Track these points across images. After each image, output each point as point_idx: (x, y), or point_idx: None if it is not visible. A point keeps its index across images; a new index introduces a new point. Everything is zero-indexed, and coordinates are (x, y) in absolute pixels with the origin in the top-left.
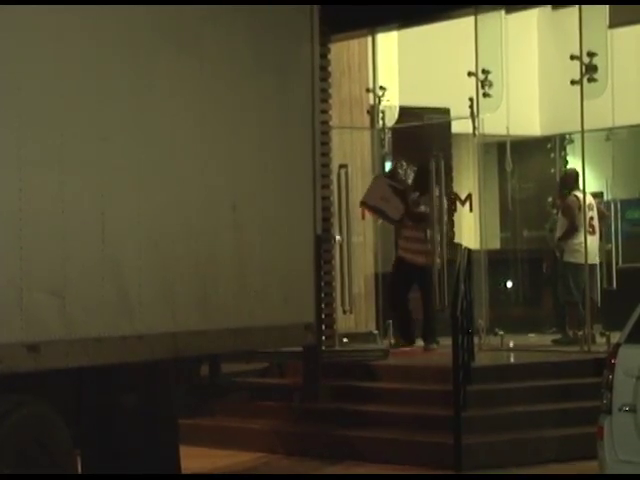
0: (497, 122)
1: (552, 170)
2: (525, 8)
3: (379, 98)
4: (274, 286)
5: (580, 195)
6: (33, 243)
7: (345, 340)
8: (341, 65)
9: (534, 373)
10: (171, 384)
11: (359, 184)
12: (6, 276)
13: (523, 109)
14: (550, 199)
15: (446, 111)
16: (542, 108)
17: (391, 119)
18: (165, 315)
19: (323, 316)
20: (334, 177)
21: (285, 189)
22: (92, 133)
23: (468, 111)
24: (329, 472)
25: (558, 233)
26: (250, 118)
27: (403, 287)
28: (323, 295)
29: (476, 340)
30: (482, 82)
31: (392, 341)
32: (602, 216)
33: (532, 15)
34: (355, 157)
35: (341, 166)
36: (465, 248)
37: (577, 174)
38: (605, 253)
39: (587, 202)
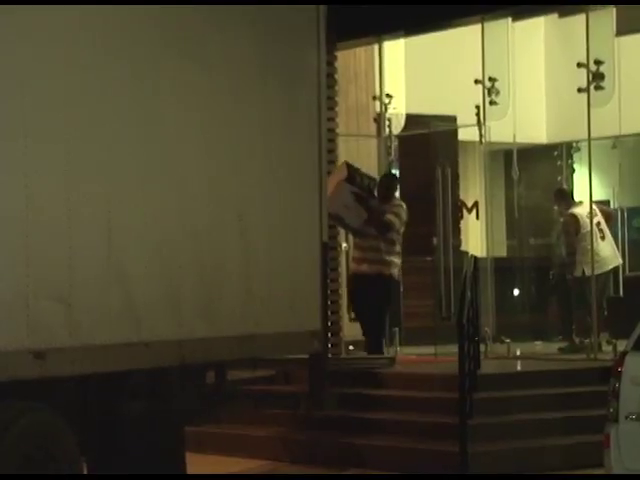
0: (504, 130)
1: (559, 178)
2: (532, 16)
3: (386, 106)
4: (280, 293)
5: (578, 210)
6: (39, 250)
7: (351, 348)
8: (348, 72)
9: (540, 381)
10: (177, 391)
11: None
12: (12, 283)
13: (530, 117)
14: (556, 207)
15: (453, 119)
16: (549, 116)
17: (398, 127)
18: (171, 322)
19: (329, 323)
20: None
21: (291, 197)
22: (98, 141)
23: (475, 119)
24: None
25: (561, 249)
26: (256, 125)
27: (362, 300)
28: (329, 302)
29: (482, 348)
30: (489, 90)
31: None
32: (609, 217)
33: (539, 23)
34: (361, 165)
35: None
36: (471, 256)
37: (566, 191)
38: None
39: (586, 212)
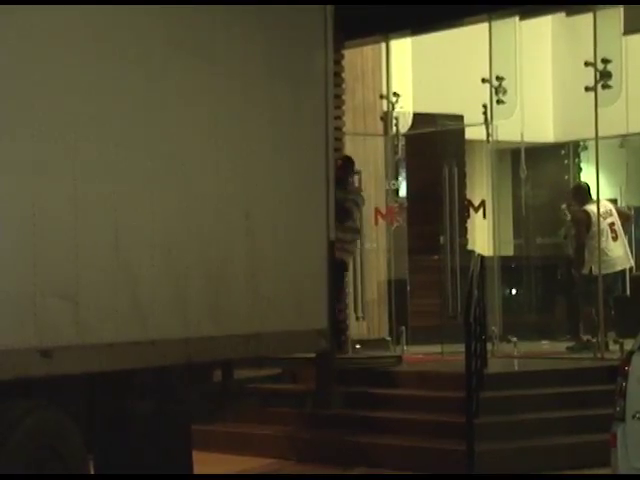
0: (511, 129)
1: (566, 177)
2: (539, 15)
3: (393, 104)
4: (287, 292)
5: (591, 207)
6: (46, 249)
7: (358, 346)
8: (355, 71)
9: (547, 380)
10: (184, 390)
11: (372, 190)
12: (19, 281)
13: (537, 116)
14: (564, 206)
15: (460, 118)
16: (556, 115)
17: (405, 125)
18: (177, 321)
19: (336, 322)
20: None
21: (298, 195)
22: (105, 140)
23: (482, 118)
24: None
25: (570, 245)
26: (263, 124)
27: None
28: (336, 301)
29: (489, 347)
30: (496, 89)
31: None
32: (627, 218)
33: (546, 22)
34: (368, 163)
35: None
36: (478, 255)
37: (588, 187)
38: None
39: (602, 210)
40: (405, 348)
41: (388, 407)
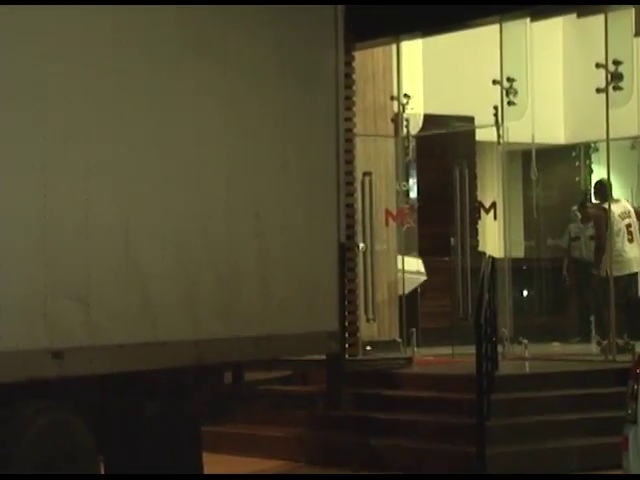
0: (522, 130)
1: (577, 178)
2: (550, 16)
3: (403, 106)
4: (297, 294)
5: (612, 206)
6: (57, 250)
7: (368, 348)
8: (365, 73)
9: (558, 382)
10: (194, 391)
11: (383, 192)
12: (31, 283)
13: (548, 117)
14: (574, 207)
15: (470, 119)
16: (567, 116)
17: (415, 127)
18: (188, 322)
19: (346, 324)
20: (358, 185)
21: (309, 197)
22: (117, 141)
23: (493, 119)
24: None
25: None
26: (273, 125)
27: None
28: (346, 303)
29: (500, 349)
30: (507, 90)
31: None
32: None
33: (557, 23)
34: (379, 165)
35: (365, 174)
36: (489, 256)
37: (606, 184)
38: None
39: (620, 210)
40: (415, 350)
41: (398, 409)
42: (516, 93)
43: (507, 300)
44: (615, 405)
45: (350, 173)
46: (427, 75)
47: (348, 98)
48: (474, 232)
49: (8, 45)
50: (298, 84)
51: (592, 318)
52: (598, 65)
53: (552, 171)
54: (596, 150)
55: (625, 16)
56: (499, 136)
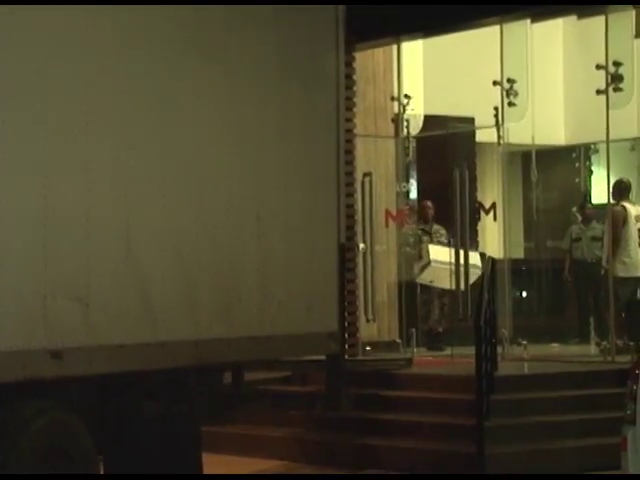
0: (522, 131)
1: (577, 180)
2: (550, 17)
3: (404, 107)
4: (297, 295)
5: (628, 205)
6: (57, 250)
7: (368, 349)
8: (366, 73)
9: (557, 383)
10: (193, 391)
11: (383, 193)
12: (30, 283)
13: (548, 118)
14: (574, 209)
15: (471, 120)
16: (567, 117)
17: (415, 128)
18: (188, 323)
19: (346, 324)
20: (358, 185)
21: (309, 198)
22: (118, 141)
23: (493, 120)
24: None
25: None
26: (274, 127)
27: None
28: (346, 304)
29: (499, 349)
30: (507, 91)
31: None
32: None
33: (557, 25)
34: (379, 165)
35: (365, 174)
36: (489, 257)
37: (626, 183)
38: None
39: (635, 213)
40: (415, 350)
41: (398, 409)
42: (516, 94)
43: (507, 301)
44: (614, 406)
45: (350, 174)
46: (427, 76)
47: (349, 99)
48: (474, 233)
49: (8, 45)
50: (299, 84)
51: (591, 319)
52: (598, 66)
53: (552, 172)
54: (596, 151)
55: (625, 17)
56: (499, 137)
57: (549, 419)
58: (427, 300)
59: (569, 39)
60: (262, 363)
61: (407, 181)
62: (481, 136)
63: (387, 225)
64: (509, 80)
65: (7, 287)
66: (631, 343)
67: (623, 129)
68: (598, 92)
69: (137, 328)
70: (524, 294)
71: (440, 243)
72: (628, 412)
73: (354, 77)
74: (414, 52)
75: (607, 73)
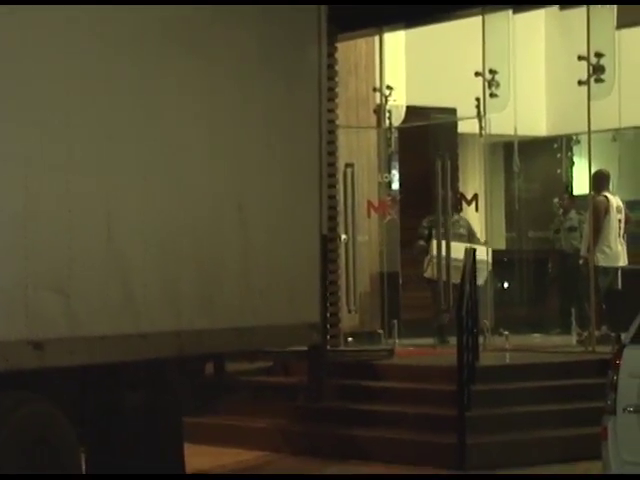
0: (504, 122)
1: (558, 170)
2: (532, 8)
3: (386, 97)
4: (279, 285)
5: (610, 196)
6: (38, 242)
7: (350, 339)
8: (348, 64)
9: (538, 373)
10: (175, 382)
11: (365, 183)
12: (11, 274)
13: (530, 109)
14: (556, 200)
15: (453, 111)
16: (549, 108)
17: (398, 118)
18: (170, 314)
19: (328, 315)
20: (340, 176)
21: (291, 188)
22: (98, 133)
23: (475, 111)
24: (333, 471)
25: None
26: (256, 117)
27: None
28: (328, 294)
29: (481, 340)
30: (489, 82)
31: None
32: (628, 220)
33: (539, 15)
34: (361, 156)
35: (347, 165)
36: (470, 248)
37: (605, 174)
38: None
39: (615, 204)
40: (397, 341)
41: (380, 400)
42: (498, 85)
43: (488, 292)
44: (595, 396)
45: (332, 164)
46: (409, 67)
47: (331, 89)
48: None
49: None
50: (281, 76)
51: (572, 310)
52: (580, 57)
53: (534, 163)
54: (578, 142)
55: (607, 9)
56: (481, 128)
57: (530, 409)
58: (435, 294)
59: (551, 30)
60: (244, 354)
61: (389, 172)
62: (463, 127)
63: (369, 216)
64: (491, 71)
65: None
66: (612, 334)
67: (604, 120)
68: (580, 83)
69: (118, 319)
70: (506, 285)
71: (458, 235)
72: (609, 402)
73: (336, 68)
74: (396, 43)
75: (589, 64)
